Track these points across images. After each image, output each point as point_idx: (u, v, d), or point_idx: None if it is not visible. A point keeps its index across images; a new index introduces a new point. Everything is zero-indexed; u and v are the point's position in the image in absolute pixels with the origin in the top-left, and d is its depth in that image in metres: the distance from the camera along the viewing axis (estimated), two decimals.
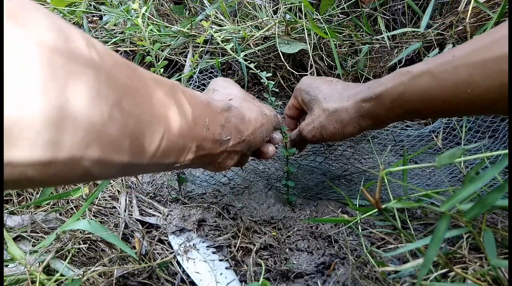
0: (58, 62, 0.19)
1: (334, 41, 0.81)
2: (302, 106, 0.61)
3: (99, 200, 0.61)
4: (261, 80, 0.89)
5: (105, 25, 1.02)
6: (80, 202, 0.60)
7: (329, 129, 0.54)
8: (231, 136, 0.41)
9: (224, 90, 0.50)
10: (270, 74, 0.64)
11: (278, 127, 0.56)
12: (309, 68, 0.82)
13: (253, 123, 0.45)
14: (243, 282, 0.50)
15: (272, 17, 0.93)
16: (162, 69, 0.71)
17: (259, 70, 0.65)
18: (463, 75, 0.39)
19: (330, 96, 0.54)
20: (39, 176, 0.19)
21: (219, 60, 0.84)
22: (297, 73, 0.85)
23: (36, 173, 0.19)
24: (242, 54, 0.73)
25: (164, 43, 0.91)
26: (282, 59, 0.81)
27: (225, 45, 0.76)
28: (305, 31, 0.81)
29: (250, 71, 0.87)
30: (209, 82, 0.71)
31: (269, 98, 0.61)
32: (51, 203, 0.60)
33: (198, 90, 0.66)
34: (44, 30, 0.19)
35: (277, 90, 0.87)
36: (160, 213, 0.60)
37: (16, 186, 0.20)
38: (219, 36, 0.78)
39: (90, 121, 0.21)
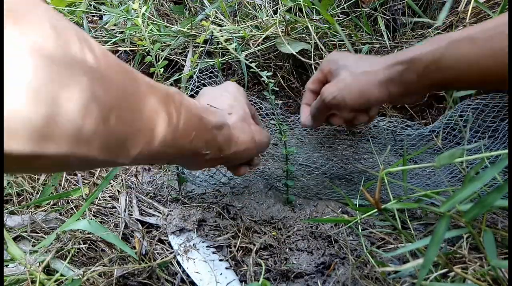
0: (53, 67, 0.20)
1: (343, 30, 0.81)
2: (327, 79, 0.56)
3: (99, 200, 0.61)
4: (261, 80, 0.88)
5: (105, 25, 1.02)
6: (80, 202, 0.60)
7: (353, 90, 0.49)
8: (211, 151, 0.41)
9: (230, 100, 0.49)
10: (271, 74, 0.64)
11: (263, 151, 0.55)
12: (310, 68, 0.82)
13: (237, 146, 0.45)
14: (243, 282, 0.50)
15: (272, 17, 0.93)
16: (162, 69, 0.71)
17: (259, 69, 0.65)
18: (502, 43, 0.38)
19: (360, 63, 0.51)
20: (27, 164, 0.21)
21: (219, 60, 0.84)
22: (296, 74, 0.85)
23: (24, 163, 0.21)
24: (244, 54, 0.73)
25: (164, 43, 0.91)
26: (284, 59, 0.81)
27: (228, 44, 0.76)
28: (311, 28, 0.81)
29: (250, 70, 0.87)
30: (209, 82, 0.71)
31: (269, 97, 0.61)
32: (51, 203, 0.60)
33: (198, 90, 0.66)
34: (41, 33, 0.20)
35: (277, 89, 0.87)
36: (160, 213, 0.60)
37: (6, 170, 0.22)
38: (222, 36, 0.78)
39: (81, 124, 0.22)
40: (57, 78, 0.20)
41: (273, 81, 0.62)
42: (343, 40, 0.85)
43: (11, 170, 0.22)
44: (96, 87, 0.23)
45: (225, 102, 0.48)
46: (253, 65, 0.67)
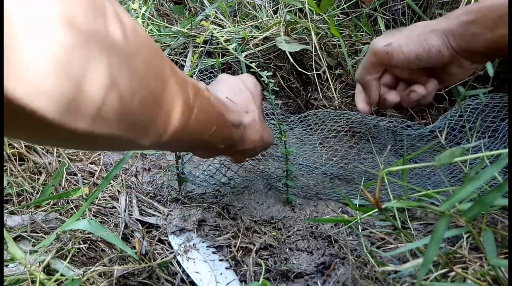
0: (81, 40, 0.19)
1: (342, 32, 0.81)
2: (383, 64, 0.47)
3: (99, 200, 0.61)
4: (261, 80, 0.89)
5: None
6: (80, 202, 0.60)
7: (412, 37, 0.43)
8: (225, 145, 0.42)
9: (248, 98, 0.49)
10: (271, 74, 0.64)
11: (266, 149, 0.57)
12: (310, 68, 0.82)
13: (248, 144, 0.47)
14: (243, 282, 0.50)
15: (272, 17, 0.93)
16: None
17: (259, 69, 0.65)
18: None
19: (418, 23, 0.46)
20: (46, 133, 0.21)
21: (219, 60, 0.84)
22: (296, 74, 0.85)
23: (45, 128, 0.20)
24: (243, 54, 0.73)
25: (164, 43, 0.91)
26: (288, 57, 0.81)
27: (228, 44, 0.76)
28: (311, 29, 0.81)
29: (250, 70, 0.87)
30: (209, 82, 0.71)
31: (269, 97, 0.61)
32: (51, 203, 0.60)
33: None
34: (76, 3, 0.19)
35: (277, 89, 0.87)
36: (160, 213, 0.60)
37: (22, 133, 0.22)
38: (222, 36, 0.78)
39: (102, 103, 0.21)
40: (85, 53, 0.20)
41: (273, 81, 0.62)
42: (343, 40, 0.85)
43: (26, 133, 0.21)
44: (123, 67, 0.22)
45: (243, 98, 0.49)
46: (253, 65, 0.67)
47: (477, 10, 0.41)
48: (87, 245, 0.53)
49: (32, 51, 0.17)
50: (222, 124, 0.39)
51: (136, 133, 0.27)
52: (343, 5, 0.87)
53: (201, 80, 0.81)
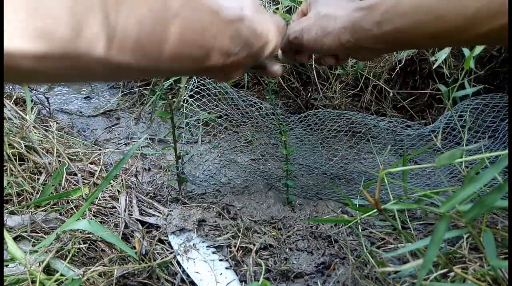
0: None
1: None
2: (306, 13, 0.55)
3: (99, 200, 0.61)
4: (261, 80, 0.89)
5: None
6: (80, 202, 0.60)
7: (311, 34, 0.50)
8: (240, 48, 0.39)
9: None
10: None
11: (283, 38, 0.52)
12: (310, 68, 0.82)
13: (264, 38, 0.43)
14: (243, 282, 0.50)
15: None
16: None
17: None
18: None
19: (330, 1, 0.51)
20: (34, 68, 0.21)
21: None
22: (296, 74, 0.85)
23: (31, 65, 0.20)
24: None
25: None
26: None
27: None
28: None
29: (251, 70, 0.87)
30: (209, 82, 0.71)
31: (269, 97, 0.61)
32: (51, 203, 0.60)
33: (198, 90, 0.66)
34: None
35: (277, 88, 0.87)
36: (160, 213, 0.60)
37: (15, 77, 0.22)
38: None
39: (84, 21, 0.21)
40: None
41: (273, 81, 0.62)
42: None
43: (17, 75, 0.21)
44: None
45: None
46: None
47: (370, 6, 0.43)
48: (87, 245, 0.53)
49: None
50: (222, 22, 0.36)
51: (141, 54, 0.26)
52: None
53: (201, 80, 0.81)
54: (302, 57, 0.56)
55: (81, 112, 0.93)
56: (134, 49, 0.26)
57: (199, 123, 0.76)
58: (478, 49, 0.64)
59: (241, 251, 0.55)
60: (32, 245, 0.53)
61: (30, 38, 0.20)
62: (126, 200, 0.61)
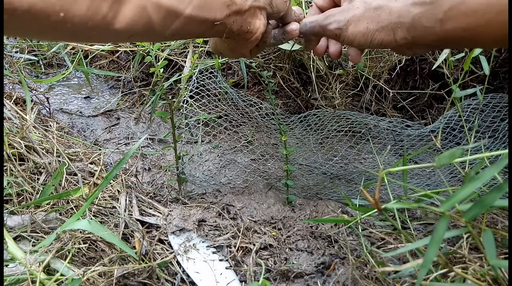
0: None
1: None
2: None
3: (99, 200, 0.61)
4: (261, 80, 0.89)
5: None
6: (80, 202, 0.60)
7: (360, 26, 0.45)
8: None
9: None
10: (271, 74, 0.64)
11: None
12: (310, 68, 0.82)
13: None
14: (243, 282, 0.50)
15: None
16: (162, 70, 0.71)
17: (259, 69, 0.65)
18: None
19: None
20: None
21: (219, 60, 0.84)
22: (296, 74, 0.85)
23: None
24: None
25: (164, 43, 0.91)
26: (284, 60, 0.81)
27: None
28: None
29: (250, 71, 0.87)
30: (208, 83, 0.71)
31: (269, 97, 0.61)
32: (51, 203, 0.60)
33: (198, 91, 0.66)
34: None
35: (277, 89, 0.87)
36: (160, 213, 0.60)
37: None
38: None
39: None
40: None
41: (273, 81, 0.62)
42: None
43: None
44: None
45: None
46: (253, 65, 0.67)
47: (432, 1, 0.40)
48: (87, 245, 0.53)
49: None
50: None
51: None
52: None
53: (201, 80, 0.81)
54: (333, 52, 0.51)
55: (81, 112, 0.93)
56: None
57: (199, 123, 0.76)
58: (477, 49, 0.64)
59: (241, 251, 0.55)
60: (32, 245, 0.53)
61: None
62: (126, 200, 0.61)
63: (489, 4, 0.37)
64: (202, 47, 0.87)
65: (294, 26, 0.49)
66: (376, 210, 0.32)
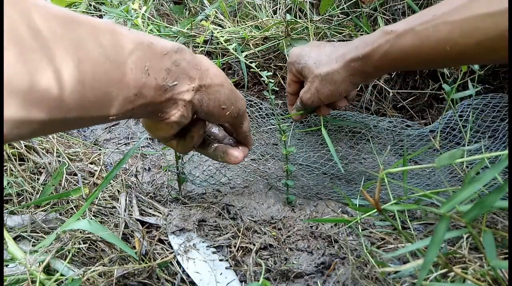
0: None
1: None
2: (299, 78, 0.63)
3: (99, 200, 0.61)
4: (261, 80, 0.89)
5: None
6: (80, 202, 0.60)
7: (325, 92, 0.58)
8: (179, 81, 0.35)
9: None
10: (271, 74, 0.64)
11: (243, 113, 0.46)
12: None
13: (210, 75, 0.38)
14: (243, 282, 0.50)
15: (272, 17, 0.93)
16: None
17: (259, 69, 0.65)
18: (443, 33, 0.42)
19: (320, 61, 0.58)
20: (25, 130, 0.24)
21: (219, 60, 0.84)
22: None
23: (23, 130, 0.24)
24: (244, 54, 0.73)
25: None
26: (284, 60, 0.81)
27: (228, 45, 0.76)
28: (310, 30, 0.81)
29: (251, 70, 0.87)
30: None
31: (269, 97, 0.61)
32: (51, 203, 0.60)
33: None
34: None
35: (277, 88, 0.87)
36: (160, 213, 0.60)
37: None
38: (222, 36, 0.78)
39: (57, 90, 0.24)
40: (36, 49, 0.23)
41: (273, 81, 0.62)
42: (343, 40, 0.85)
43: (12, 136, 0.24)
44: (66, 57, 0.25)
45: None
46: (253, 65, 0.67)
47: (364, 57, 0.51)
48: (87, 245, 0.53)
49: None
50: (158, 55, 0.33)
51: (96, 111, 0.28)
52: (343, 5, 0.87)
53: None
54: (323, 111, 0.64)
55: None
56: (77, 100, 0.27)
57: None
58: None
59: (241, 251, 0.55)
60: (32, 245, 0.53)
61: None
62: (126, 200, 0.61)
63: (405, 53, 0.48)
64: (202, 47, 0.87)
65: (237, 153, 0.46)
66: (376, 210, 0.32)
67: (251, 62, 0.67)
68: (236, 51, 0.83)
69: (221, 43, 0.78)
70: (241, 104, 0.44)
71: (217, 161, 0.49)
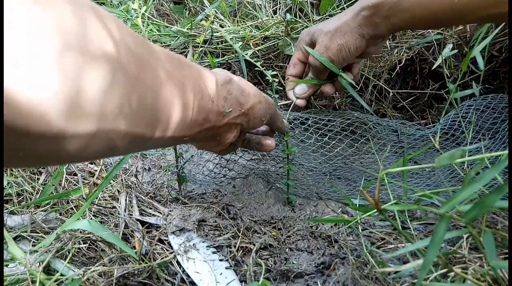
0: (74, 50, 0.20)
1: None
2: (307, 57, 0.63)
3: (99, 200, 0.61)
4: (262, 79, 0.89)
5: None
6: (80, 202, 0.60)
7: (334, 48, 0.57)
8: (233, 108, 0.41)
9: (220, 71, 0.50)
10: (276, 73, 0.64)
11: (272, 111, 0.52)
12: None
13: (252, 98, 0.45)
14: (243, 282, 0.50)
15: (272, 17, 0.93)
16: None
17: (264, 68, 0.65)
18: None
19: (329, 21, 0.59)
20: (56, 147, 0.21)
21: (219, 60, 0.84)
22: None
23: (70, 145, 0.21)
24: (247, 53, 0.73)
25: (164, 43, 0.91)
26: (284, 60, 0.81)
27: (233, 43, 0.76)
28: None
29: (251, 70, 0.87)
30: None
31: (272, 97, 0.61)
32: (51, 203, 0.60)
33: None
34: (64, 15, 0.20)
35: (281, 88, 0.87)
36: (160, 213, 0.60)
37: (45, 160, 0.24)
38: (228, 33, 0.78)
39: (105, 104, 0.22)
40: (80, 61, 0.20)
41: (276, 80, 0.62)
42: None
43: (36, 157, 0.22)
44: (116, 73, 0.23)
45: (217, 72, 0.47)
46: (258, 64, 0.67)
47: (375, 5, 0.53)
48: (87, 245, 0.53)
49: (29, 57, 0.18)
50: (218, 85, 0.39)
51: (152, 125, 0.28)
52: (343, 5, 0.87)
53: None
54: (328, 89, 0.65)
55: None
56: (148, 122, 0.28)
57: None
58: (477, 49, 0.64)
59: (241, 251, 0.55)
60: (32, 245, 0.53)
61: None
62: (126, 200, 0.61)
63: (413, 4, 0.50)
64: (202, 47, 0.87)
65: (270, 142, 0.54)
66: (376, 210, 0.32)
67: (256, 61, 0.67)
68: (235, 51, 0.83)
69: (223, 43, 0.78)
70: (272, 108, 0.50)
71: (252, 150, 0.56)
